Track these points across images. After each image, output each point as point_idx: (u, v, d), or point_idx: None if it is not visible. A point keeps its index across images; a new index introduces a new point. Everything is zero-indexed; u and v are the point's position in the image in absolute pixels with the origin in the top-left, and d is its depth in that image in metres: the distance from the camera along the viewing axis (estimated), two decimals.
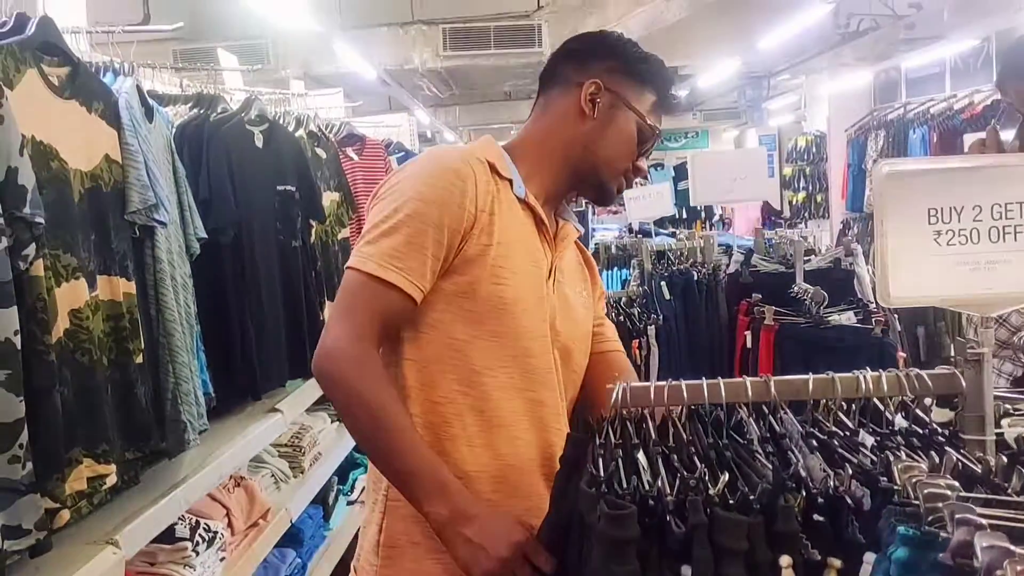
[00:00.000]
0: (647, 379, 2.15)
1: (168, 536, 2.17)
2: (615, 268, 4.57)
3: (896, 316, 3.02)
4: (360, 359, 1.32)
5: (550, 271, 1.50)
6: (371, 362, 1.34)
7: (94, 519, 1.77)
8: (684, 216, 13.13)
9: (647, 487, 1.16)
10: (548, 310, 1.47)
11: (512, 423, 1.43)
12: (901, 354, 2.87)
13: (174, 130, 2.47)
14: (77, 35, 2.28)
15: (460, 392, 1.41)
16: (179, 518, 2.18)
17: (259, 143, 2.84)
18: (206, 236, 2.40)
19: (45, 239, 1.64)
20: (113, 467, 1.79)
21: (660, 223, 6.64)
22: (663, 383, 1.28)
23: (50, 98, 1.80)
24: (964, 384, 1.20)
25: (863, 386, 1.24)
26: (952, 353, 2.04)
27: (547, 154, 1.53)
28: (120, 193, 1.98)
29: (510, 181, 1.47)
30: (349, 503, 3.83)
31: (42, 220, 1.59)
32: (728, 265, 3.39)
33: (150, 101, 2.27)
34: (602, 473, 1.16)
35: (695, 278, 3.18)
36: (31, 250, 1.57)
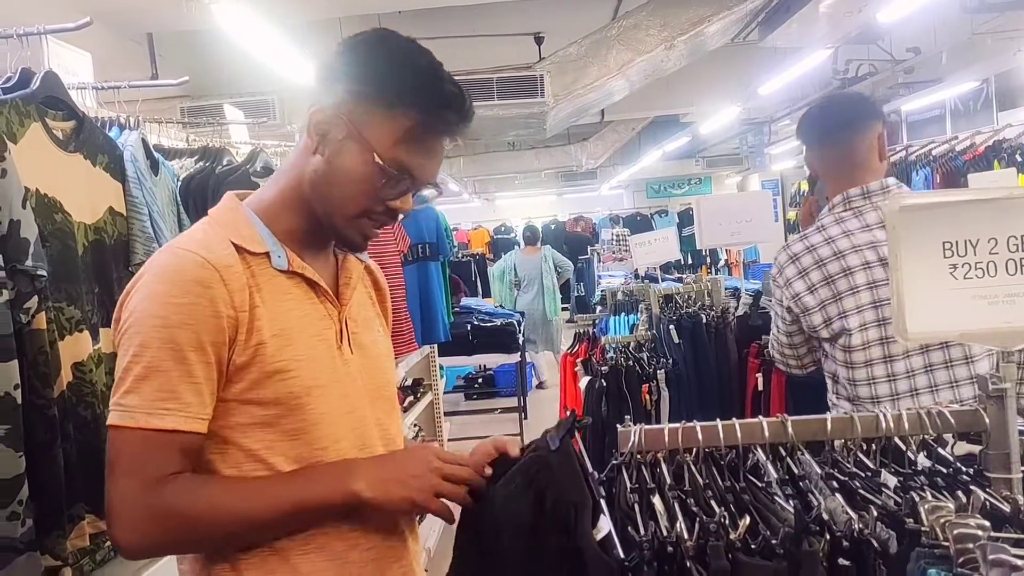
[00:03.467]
0: (658, 423, 2.12)
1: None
2: (622, 314, 4.54)
3: None
4: (158, 503, 1.14)
5: (340, 333, 1.32)
6: (171, 494, 1.15)
7: None
8: (690, 262, 13.15)
9: (664, 532, 1.13)
10: (347, 382, 1.30)
11: (342, 517, 1.27)
12: None
13: (179, 183, 2.48)
14: (83, 91, 2.31)
15: None
16: None
17: None
18: None
19: (48, 292, 1.63)
20: None
21: (666, 269, 6.63)
22: (677, 425, 1.25)
23: (54, 151, 1.80)
24: (988, 421, 1.17)
25: (883, 424, 1.21)
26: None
27: (289, 197, 1.30)
28: (124, 245, 1.98)
29: (267, 254, 1.26)
30: None
31: (44, 273, 1.58)
32: (737, 308, 3.36)
33: (155, 154, 2.28)
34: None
35: (704, 321, 3.15)
36: (33, 303, 1.56)
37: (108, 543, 1.74)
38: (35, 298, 1.57)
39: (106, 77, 2.55)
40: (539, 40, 7.26)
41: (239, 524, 1.19)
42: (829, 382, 2.21)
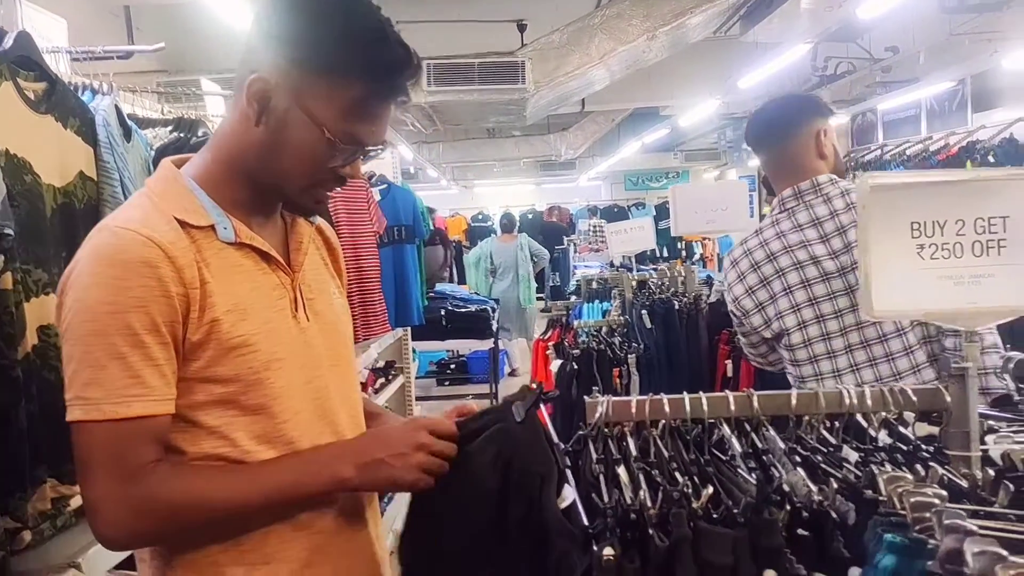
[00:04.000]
0: None
1: (132, 563, 2.10)
2: (595, 301, 4.56)
3: None
4: (141, 495, 1.12)
5: (294, 302, 1.28)
6: (153, 486, 1.13)
7: (57, 542, 1.70)
8: (665, 255, 13.22)
9: (628, 501, 1.14)
10: (305, 351, 1.27)
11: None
12: None
13: (153, 152, 2.45)
14: (57, 55, 2.27)
15: None
16: None
17: None
18: None
19: (15, 252, 1.60)
20: (78, 488, 1.74)
21: (641, 260, 6.66)
22: (645, 397, 1.26)
23: (25, 112, 1.77)
24: (949, 399, 1.19)
25: (847, 401, 1.23)
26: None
27: (232, 166, 1.25)
28: (93, 210, 1.95)
29: (212, 226, 1.21)
30: None
31: (11, 232, 1.56)
32: (709, 295, 3.38)
33: (128, 122, 2.25)
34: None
35: (676, 307, 3.17)
36: None
37: (69, 508, 1.72)
38: (1, 257, 1.54)
39: (79, 45, 2.51)
40: (522, 27, 7.24)
41: (225, 513, 1.17)
42: (789, 377, 2.26)
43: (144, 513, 1.12)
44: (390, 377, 5.12)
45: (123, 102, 2.54)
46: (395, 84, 1.20)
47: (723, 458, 1.28)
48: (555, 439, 1.25)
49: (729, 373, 2.82)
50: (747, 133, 2.37)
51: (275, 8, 1.21)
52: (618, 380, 3.08)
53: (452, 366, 8.91)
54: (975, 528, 0.81)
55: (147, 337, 1.12)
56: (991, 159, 5.43)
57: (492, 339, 7.61)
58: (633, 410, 1.24)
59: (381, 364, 5.17)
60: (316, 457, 1.22)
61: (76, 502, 1.73)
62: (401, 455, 1.20)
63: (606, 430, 1.31)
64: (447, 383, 8.88)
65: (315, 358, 1.29)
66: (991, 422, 1.32)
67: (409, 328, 5.36)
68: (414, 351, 6.04)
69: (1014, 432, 1.31)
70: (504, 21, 7.25)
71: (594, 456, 1.26)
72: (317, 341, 1.30)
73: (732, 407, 1.24)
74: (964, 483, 1.09)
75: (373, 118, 1.21)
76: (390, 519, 3.75)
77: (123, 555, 1.88)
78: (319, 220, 1.44)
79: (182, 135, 2.73)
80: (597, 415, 1.24)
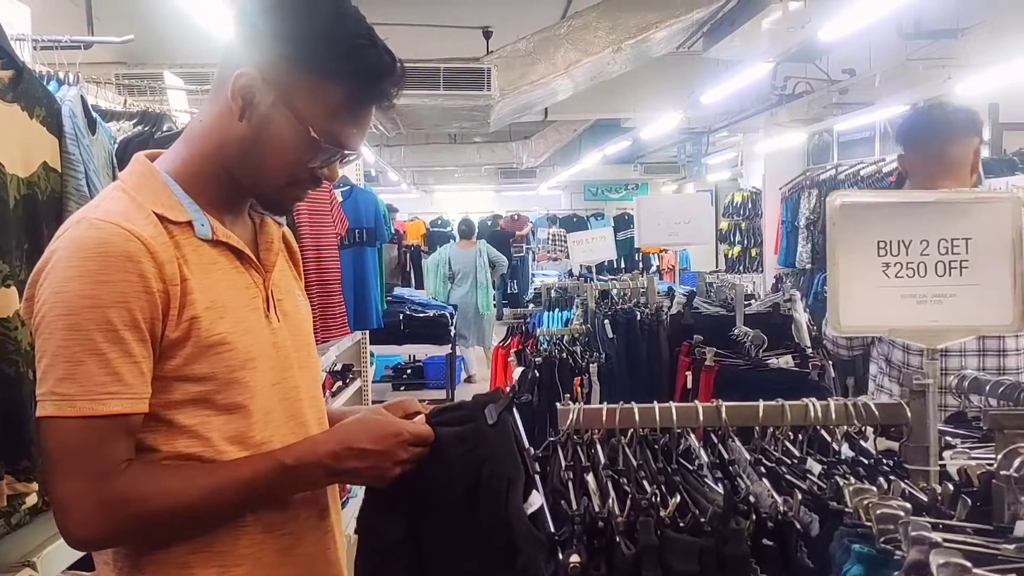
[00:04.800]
0: None
1: (88, 562, 2.06)
2: (556, 309, 4.58)
3: (831, 363, 3.08)
4: (113, 495, 1.10)
5: (267, 301, 1.27)
6: (127, 487, 1.11)
7: (12, 540, 1.66)
8: (624, 266, 13.32)
9: (596, 508, 1.15)
10: (276, 352, 1.27)
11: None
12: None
13: (116, 145, 2.41)
14: (22, 43, 2.23)
15: None
16: None
17: None
18: None
19: None
20: (35, 486, 1.70)
21: (600, 271, 6.72)
22: (616, 406, 1.27)
23: None
24: (909, 415, 1.22)
25: (812, 414, 1.25)
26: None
27: (210, 162, 1.23)
28: (56, 202, 1.91)
29: (190, 223, 1.20)
30: None
31: None
32: (671, 307, 3.42)
33: (93, 113, 2.21)
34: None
35: (638, 318, 3.20)
36: None
37: (25, 506, 1.68)
38: None
39: (38, 35, 2.46)
40: (488, 34, 7.26)
41: (202, 512, 1.16)
42: (881, 363, 2.39)
43: (115, 513, 1.10)
44: (347, 380, 5.08)
45: (86, 93, 2.50)
46: (380, 89, 1.20)
47: (690, 468, 1.30)
48: (526, 444, 1.25)
49: (689, 384, 2.85)
50: (906, 129, 2.43)
51: (263, 6, 1.20)
52: (579, 389, 3.10)
53: (409, 371, 8.87)
54: (940, 540, 0.83)
55: (126, 333, 1.09)
56: None
57: (449, 345, 7.59)
58: (604, 418, 1.25)
59: (339, 367, 5.14)
60: (288, 460, 1.19)
61: (32, 500, 1.70)
62: (383, 452, 1.20)
63: (576, 437, 1.32)
64: (403, 388, 8.84)
65: (286, 359, 1.28)
66: (948, 438, 1.36)
67: (367, 331, 5.33)
68: (372, 355, 6.01)
69: (970, 448, 1.35)
70: (471, 27, 7.26)
71: (563, 463, 1.27)
72: (287, 342, 1.29)
73: (701, 417, 1.26)
74: (924, 497, 1.12)
75: (355, 121, 1.21)
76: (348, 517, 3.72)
77: (79, 554, 1.85)
78: (283, 224, 1.43)
79: (146, 129, 2.69)
80: (568, 422, 1.25)
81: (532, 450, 1.29)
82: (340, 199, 4.58)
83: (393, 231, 6.52)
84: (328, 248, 4.15)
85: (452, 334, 7.64)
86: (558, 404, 1.29)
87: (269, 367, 1.24)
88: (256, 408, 1.21)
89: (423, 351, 7.92)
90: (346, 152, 1.24)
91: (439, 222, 17.58)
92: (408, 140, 12.75)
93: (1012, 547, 0.92)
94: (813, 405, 1.25)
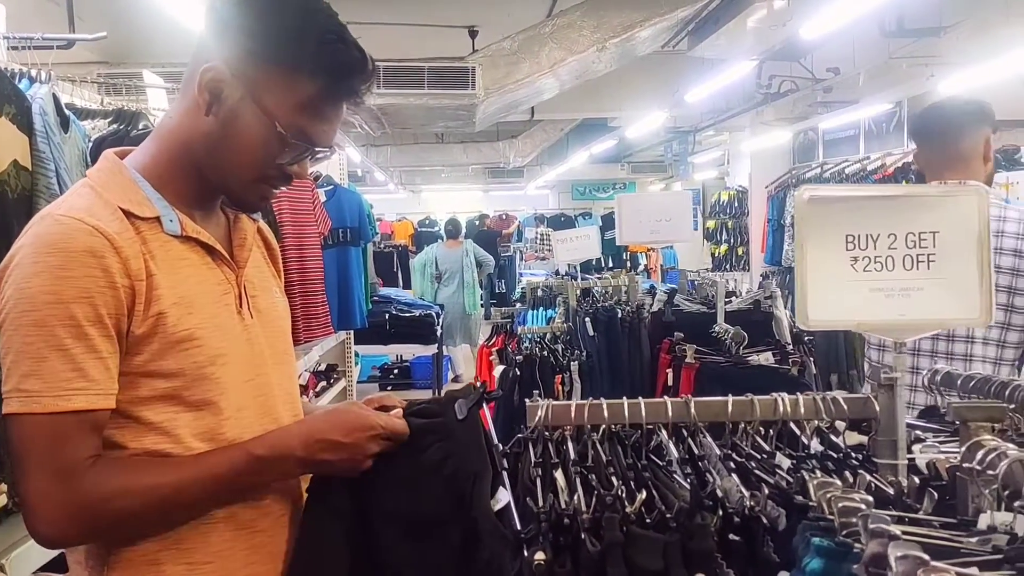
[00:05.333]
0: None
1: (60, 563, 2.04)
2: (540, 308, 4.57)
3: (812, 359, 3.08)
4: (80, 492, 1.08)
5: (239, 298, 1.26)
6: (94, 483, 1.09)
7: None
8: (610, 265, 13.33)
9: (563, 506, 1.14)
10: (249, 348, 1.25)
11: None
12: None
13: (91, 143, 2.39)
14: None
15: None
16: None
17: None
18: None
19: None
20: (4, 487, 1.69)
21: (586, 270, 6.73)
22: (584, 402, 1.26)
23: None
24: (878, 409, 1.22)
25: (781, 408, 1.25)
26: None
27: (178, 158, 1.22)
28: (27, 200, 1.90)
29: (158, 218, 1.18)
30: None
31: None
32: (652, 304, 3.42)
33: (66, 111, 2.20)
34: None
35: (619, 315, 3.20)
36: None
37: None
38: None
39: (11, 33, 2.44)
40: (473, 33, 7.25)
41: (171, 507, 1.14)
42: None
43: (83, 510, 1.09)
44: (332, 380, 5.07)
45: (62, 92, 2.48)
46: (350, 85, 1.19)
47: (660, 464, 1.29)
48: (495, 440, 1.25)
49: (670, 382, 2.85)
50: (917, 125, 2.53)
51: (233, 0, 1.19)
52: (560, 387, 3.09)
53: (395, 371, 8.85)
54: (899, 533, 0.83)
55: (91, 329, 1.08)
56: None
57: (436, 344, 7.58)
58: (572, 414, 1.24)
59: (323, 367, 5.12)
60: (258, 451, 1.18)
61: (1, 501, 1.68)
62: (350, 460, 1.19)
63: (547, 434, 1.32)
64: (390, 388, 8.81)
65: (259, 355, 1.27)
66: (918, 432, 1.36)
67: (352, 331, 5.32)
68: (357, 355, 5.99)
69: (940, 442, 1.35)
70: (456, 26, 7.24)
71: (532, 460, 1.27)
72: (260, 339, 1.28)
73: (670, 413, 1.26)
74: (890, 490, 1.11)
75: (325, 117, 1.20)
76: None
77: (50, 555, 1.83)
78: (259, 220, 1.42)
79: (121, 127, 2.67)
80: (537, 418, 1.24)
81: (500, 446, 1.28)
82: (323, 199, 4.57)
83: (377, 230, 6.50)
84: (311, 248, 4.14)
85: (439, 334, 7.62)
86: (527, 401, 1.28)
87: (241, 363, 1.23)
88: (227, 404, 1.19)
89: (409, 351, 7.90)
90: (316, 149, 1.22)
91: (427, 222, 17.56)
92: (395, 140, 12.72)
93: (974, 540, 0.91)
94: (782, 400, 1.25)
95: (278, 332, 1.34)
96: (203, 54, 1.19)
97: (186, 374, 1.16)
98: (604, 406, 1.25)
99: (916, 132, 2.57)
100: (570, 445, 1.32)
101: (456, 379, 9.25)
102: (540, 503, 1.15)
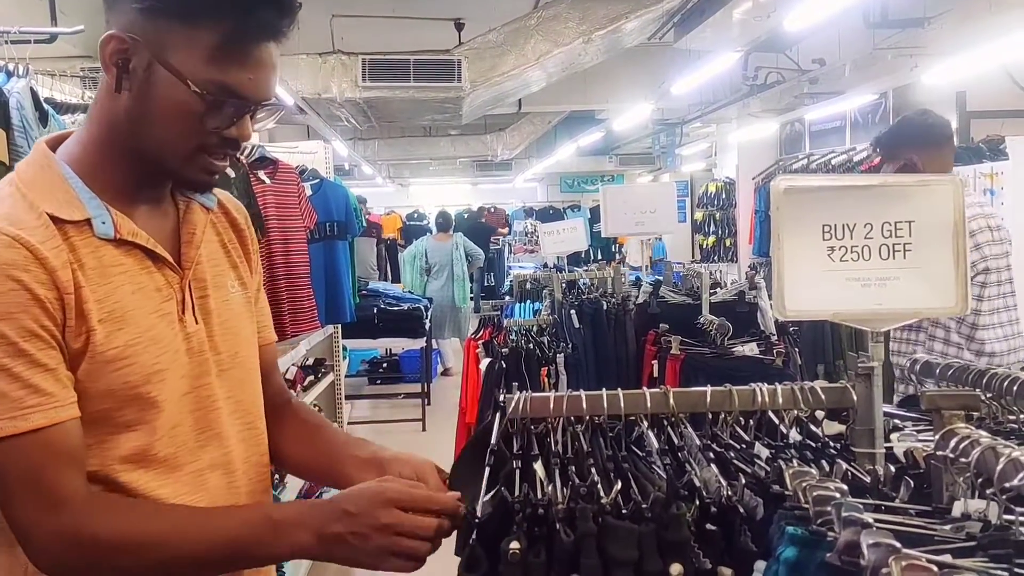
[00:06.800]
0: None
1: None
2: (528, 301, 4.58)
3: (797, 350, 3.09)
4: (70, 527, 1.02)
5: (181, 303, 1.16)
6: (81, 518, 1.02)
7: None
8: (599, 257, 13.34)
9: (539, 496, 1.14)
10: (188, 359, 1.15)
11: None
12: None
13: None
14: None
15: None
16: None
17: None
18: None
19: None
20: None
21: (575, 262, 6.72)
22: (563, 393, 1.26)
23: None
24: (855, 398, 1.22)
25: (759, 398, 1.25)
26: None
27: (107, 145, 1.11)
28: None
29: (88, 221, 1.07)
30: None
31: None
32: (637, 296, 3.43)
33: (45, 106, 2.18)
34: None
35: (604, 307, 3.20)
36: None
37: None
38: None
39: None
40: (459, 26, 7.24)
41: (166, 560, 1.05)
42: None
43: (74, 546, 1.02)
44: (319, 375, 5.05)
45: (42, 86, 2.46)
46: (261, 19, 1.06)
47: (640, 454, 1.29)
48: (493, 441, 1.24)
49: (655, 373, 2.86)
50: (917, 130, 2.83)
51: None
52: (546, 379, 3.09)
53: (384, 365, 8.85)
54: (872, 521, 0.83)
55: (27, 344, 1.00)
56: None
57: (425, 338, 7.57)
58: (551, 406, 1.24)
59: (310, 361, 5.11)
60: (275, 515, 1.09)
61: None
62: (362, 535, 1.06)
63: (532, 427, 1.32)
64: (379, 382, 8.81)
65: (201, 365, 1.17)
66: (896, 420, 1.37)
67: (340, 326, 5.30)
68: (345, 349, 5.98)
69: (918, 431, 1.35)
70: (442, 19, 7.23)
71: (513, 451, 1.27)
72: (205, 346, 1.18)
73: (649, 404, 1.26)
74: (867, 478, 1.12)
75: (245, 63, 1.06)
76: None
77: None
78: (228, 199, 1.33)
79: None
80: (515, 410, 1.24)
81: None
82: (309, 192, 4.55)
83: (365, 223, 6.48)
84: (296, 241, 4.12)
85: (427, 327, 7.61)
86: (505, 393, 1.28)
87: (179, 376, 1.13)
88: (162, 423, 1.11)
89: (398, 344, 7.90)
90: (245, 102, 1.08)
91: (415, 215, 17.54)
92: (382, 133, 12.68)
93: (948, 527, 0.92)
94: (760, 390, 1.25)
95: (228, 334, 1.22)
96: (105, 28, 1.07)
97: (116, 395, 1.07)
98: (583, 397, 1.25)
99: (926, 138, 2.80)
100: (553, 437, 1.32)
101: (446, 372, 9.26)
102: (516, 492, 1.15)
